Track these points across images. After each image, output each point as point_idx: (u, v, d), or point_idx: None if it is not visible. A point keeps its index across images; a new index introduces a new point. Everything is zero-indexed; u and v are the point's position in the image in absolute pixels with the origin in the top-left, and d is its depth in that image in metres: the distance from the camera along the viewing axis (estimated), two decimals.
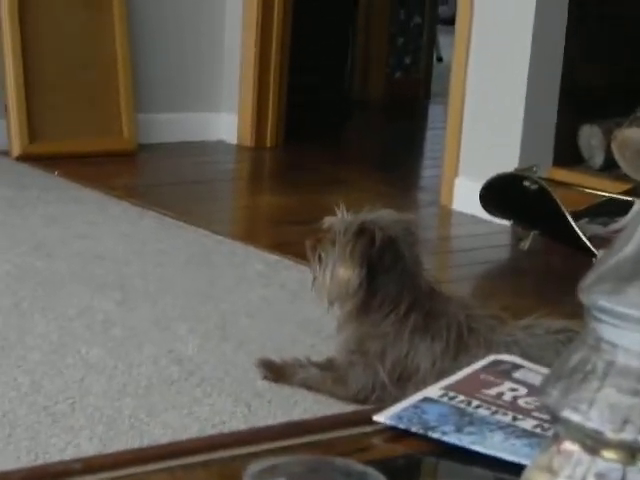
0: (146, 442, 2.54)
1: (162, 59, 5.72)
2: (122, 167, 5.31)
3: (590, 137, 4.88)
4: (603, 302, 1.09)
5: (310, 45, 6.26)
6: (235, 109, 5.90)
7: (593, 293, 1.10)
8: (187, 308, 3.67)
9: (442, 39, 7.45)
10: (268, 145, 5.87)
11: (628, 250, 1.12)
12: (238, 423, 2.83)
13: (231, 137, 5.90)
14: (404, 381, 2.84)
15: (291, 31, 5.91)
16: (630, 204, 4.23)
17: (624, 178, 4.60)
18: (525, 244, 4.51)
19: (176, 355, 3.30)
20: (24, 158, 5.24)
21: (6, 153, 5.28)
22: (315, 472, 1.02)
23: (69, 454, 2.51)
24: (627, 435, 1.07)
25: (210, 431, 2.66)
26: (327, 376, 3.05)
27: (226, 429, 2.75)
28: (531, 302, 3.57)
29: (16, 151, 5.28)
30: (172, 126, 5.75)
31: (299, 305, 3.37)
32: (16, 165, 5.20)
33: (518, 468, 1.16)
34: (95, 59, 5.47)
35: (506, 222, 4.65)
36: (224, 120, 5.92)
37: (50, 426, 2.85)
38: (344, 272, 2.95)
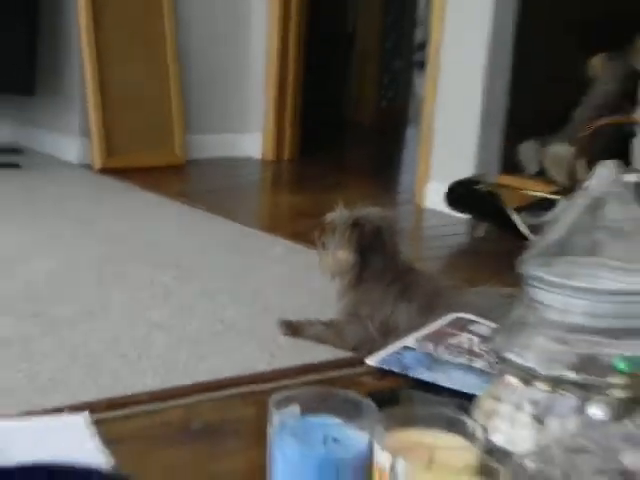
0: (194, 379, 2.52)
1: (203, 93, 5.68)
2: (175, 177, 5.29)
3: (527, 151, 4.85)
4: (536, 272, 1.12)
5: (318, 79, 6.22)
6: (260, 131, 5.86)
7: (529, 266, 1.13)
8: (226, 282, 3.67)
9: (417, 78, 7.36)
10: (285, 158, 5.84)
11: (554, 236, 1.15)
12: (264, 366, 2.84)
13: (257, 153, 5.86)
14: (388, 335, 2.81)
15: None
16: (556, 201, 4.21)
17: (552, 182, 4.60)
18: (479, 232, 4.50)
19: (218, 317, 3.30)
20: (103, 170, 5.22)
21: (89, 166, 5.25)
22: (322, 400, 1.04)
23: (138, 389, 2.52)
24: (553, 371, 1.09)
25: (244, 372, 2.66)
26: (330, 332, 3.06)
27: (255, 370, 2.74)
28: (482, 275, 3.54)
29: (97, 165, 5.26)
30: (211, 145, 5.71)
31: (310, 279, 3.37)
32: (97, 176, 5.18)
33: (472, 397, 1.18)
34: (155, 92, 5.43)
35: (465, 216, 4.62)
36: (251, 140, 5.88)
37: (125, 369, 2.87)
38: (342, 254, 2.97)
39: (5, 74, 5.19)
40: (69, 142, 5.41)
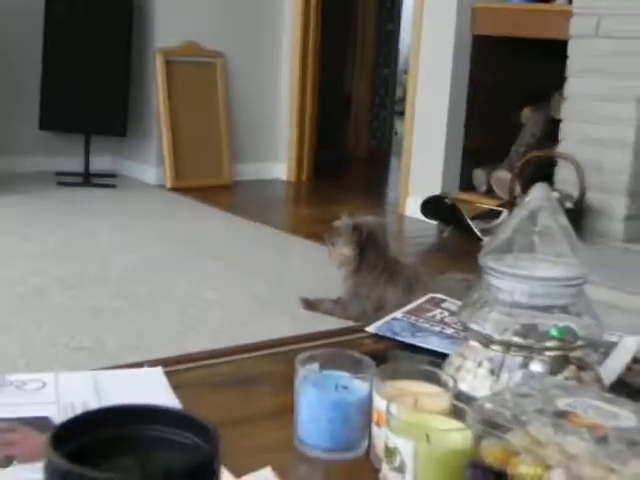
0: (238, 342, 2.53)
1: (245, 133, 5.68)
2: (224, 193, 5.27)
3: (478, 176, 4.85)
4: (490, 264, 1.09)
5: (327, 126, 6.21)
6: (285, 160, 5.84)
7: (485, 259, 1.10)
8: (261, 269, 3.65)
9: (398, 122, 7.36)
10: (304, 180, 5.82)
11: (502, 237, 1.13)
12: (289, 332, 2.82)
13: (283, 176, 5.84)
14: (380, 310, 2.81)
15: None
16: (500, 212, 4.20)
17: (496, 198, 4.59)
18: (445, 234, 4.48)
19: (254, 295, 3.29)
20: (173, 189, 5.21)
21: (163, 186, 5.25)
22: (335, 358, 1.03)
23: (198, 348, 2.51)
24: (504, 337, 1.07)
25: (274, 336, 2.64)
26: (337, 307, 3.04)
27: (282, 335, 2.73)
28: (447, 265, 3.54)
29: (168, 185, 5.25)
30: (250, 170, 5.71)
31: (322, 268, 3.35)
32: (168, 193, 5.18)
33: (445, 356, 1.16)
34: (210, 132, 5.43)
35: (434, 222, 4.61)
36: (279, 166, 5.86)
37: (188, 333, 2.87)
38: (346, 250, 2.96)
39: (107, 122, 5.19)
40: (149, 169, 5.40)
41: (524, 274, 1.07)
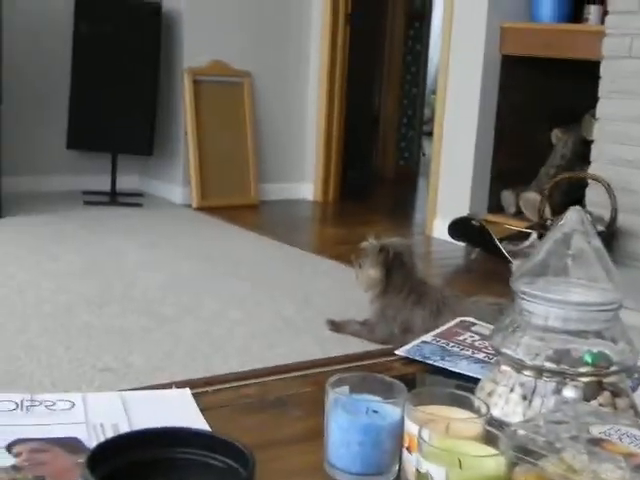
0: (265, 363, 2.53)
1: (271, 154, 5.70)
2: (250, 213, 5.28)
3: (507, 197, 4.83)
4: (524, 288, 1.09)
5: (354, 146, 6.22)
6: (312, 180, 5.85)
7: (519, 282, 1.10)
8: (287, 290, 3.65)
9: (426, 143, 7.36)
10: (330, 200, 5.82)
11: (535, 259, 1.13)
12: (316, 353, 2.82)
13: (309, 196, 5.84)
14: (406, 332, 2.81)
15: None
16: (530, 234, 4.18)
17: (526, 219, 4.57)
18: (473, 256, 4.46)
19: (281, 316, 3.29)
20: (199, 209, 5.23)
21: (189, 206, 5.27)
22: (365, 381, 1.03)
23: (224, 370, 2.51)
24: (536, 362, 1.07)
25: (300, 358, 2.64)
26: (364, 329, 3.04)
27: (308, 357, 2.74)
28: (475, 288, 3.53)
29: (195, 204, 5.27)
30: (277, 190, 5.72)
31: (349, 289, 3.35)
32: (195, 212, 5.21)
33: (476, 380, 1.16)
34: (236, 153, 5.45)
35: (462, 244, 4.59)
36: (305, 187, 5.86)
37: (213, 354, 2.87)
38: (373, 272, 2.96)
39: (133, 142, 5.23)
40: (175, 189, 5.43)
41: (558, 298, 1.07)
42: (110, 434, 1.01)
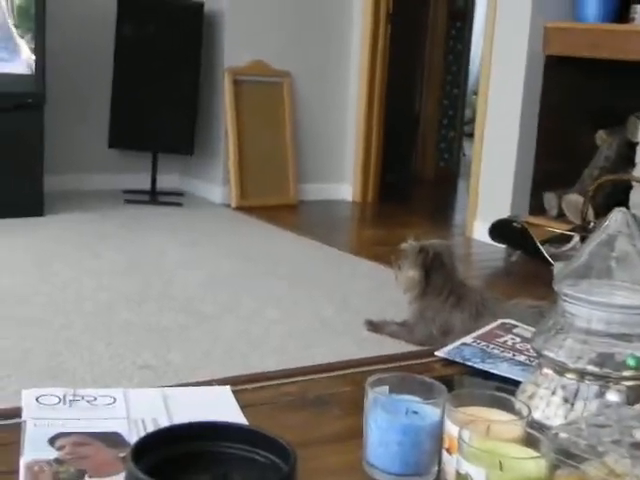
0: (302, 362, 2.54)
1: (311, 154, 5.71)
2: (289, 213, 5.30)
3: (549, 199, 4.80)
4: (567, 290, 1.09)
5: (394, 146, 6.21)
6: (350, 181, 5.84)
7: (561, 284, 1.09)
8: (325, 290, 3.66)
9: (466, 144, 7.32)
10: (369, 201, 5.82)
11: (579, 261, 1.12)
12: (353, 354, 2.82)
13: (348, 197, 5.84)
14: (446, 334, 2.81)
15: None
16: (572, 236, 4.16)
17: (568, 222, 4.54)
18: (513, 258, 4.44)
19: (318, 316, 3.30)
20: (238, 208, 5.25)
21: (228, 205, 5.30)
22: (404, 382, 1.03)
23: (262, 367, 2.52)
24: (579, 365, 1.07)
25: (337, 358, 2.64)
26: (403, 330, 3.04)
27: (346, 357, 2.74)
28: (516, 290, 3.51)
29: (234, 204, 5.29)
30: (316, 190, 5.73)
31: (388, 290, 3.35)
32: (234, 212, 5.23)
33: (517, 383, 1.15)
34: (275, 153, 5.47)
35: (502, 246, 4.57)
36: (345, 187, 5.86)
37: (250, 352, 2.89)
38: (412, 273, 2.96)
39: (174, 141, 5.27)
40: (215, 188, 5.46)
41: (601, 301, 1.06)
42: (151, 429, 1.03)
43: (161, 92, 5.16)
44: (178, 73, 5.17)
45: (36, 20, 4.51)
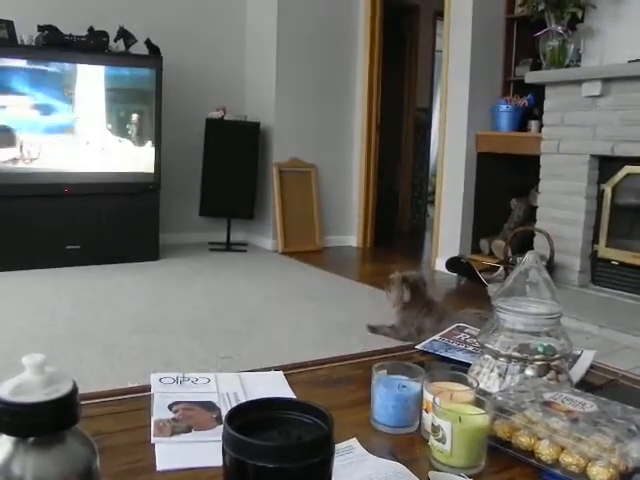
0: (330, 354, 2.51)
1: (330, 214, 5.70)
2: (316, 256, 5.26)
3: (483, 243, 4.76)
4: (500, 304, 1.08)
5: (384, 211, 6.18)
6: (355, 232, 5.81)
7: (497, 300, 1.09)
8: (339, 306, 3.63)
9: (429, 208, 7.27)
10: (368, 246, 5.78)
11: (507, 285, 1.12)
12: (360, 348, 2.80)
13: (354, 243, 5.80)
14: (421, 333, 2.77)
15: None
16: (498, 267, 4.12)
17: (496, 258, 4.49)
18: (462, 282, 4.40)
19: (336, 323, 3.27)
20: (283, 253, 5.23)
21: (276, 251, 5.28)
22: (397, 366, 1.01)
23: (301, 358, 2.49)
24: (507, 352, 1.06)
25: (351, 351, 2.62)
26: (392, 331, 2.99)
27: (356, 350, 2.71)
28: (464, 303, 3.48)
29: (280, 250, 5.28)
30: (333, 240, 5.68)
31: (382, 307, 3.33)
32: (280, 256, 5.20)
33: (468, 365, 1.14)
34: (306, 213, 5.47)
35: (455, 274, 4.53)
36: (351, 237, 5.82)
37: (295, 348, 2.85)
38: (397, 294, 2.92)
39: (241, 210, 5.25)
40: (267, 240, 5.45)
41: (521, 311, 1.06)
42: (233, 401, 1.03)
43: (233, 179, 5.19)
44: (244, 166, 5.21)
45: (155, 136, 4.59)
